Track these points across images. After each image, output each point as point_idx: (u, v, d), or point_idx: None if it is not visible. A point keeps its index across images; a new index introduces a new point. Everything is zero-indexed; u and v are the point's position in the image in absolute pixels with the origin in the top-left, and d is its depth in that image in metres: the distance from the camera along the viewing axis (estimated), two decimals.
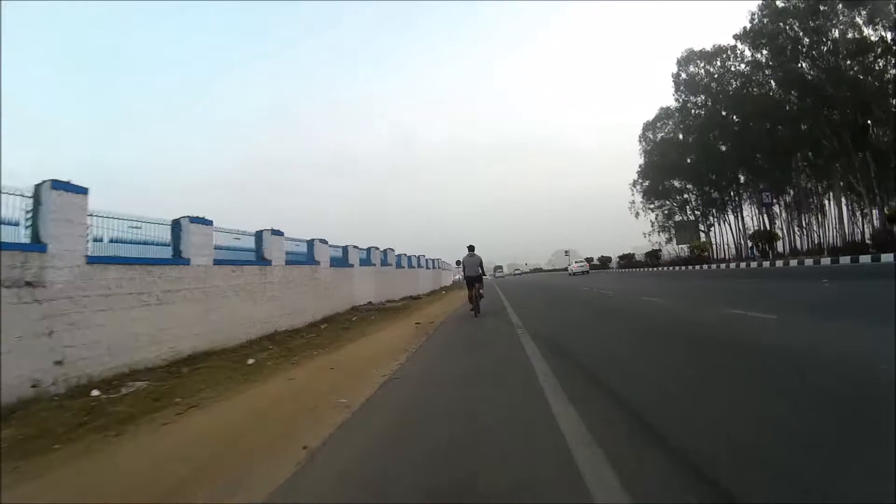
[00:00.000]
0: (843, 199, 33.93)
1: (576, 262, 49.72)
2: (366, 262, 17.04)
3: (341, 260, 14.97)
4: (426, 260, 29.19)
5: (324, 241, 13.20)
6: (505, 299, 15.07)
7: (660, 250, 47.32)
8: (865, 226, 31.20)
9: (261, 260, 10.53)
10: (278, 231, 11.02)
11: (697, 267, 33.56)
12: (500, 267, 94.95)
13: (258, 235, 10.74)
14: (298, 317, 11.34)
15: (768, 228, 35.85)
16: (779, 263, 23.19)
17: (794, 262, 23.46)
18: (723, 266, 29.92)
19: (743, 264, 26.93)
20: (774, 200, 33.36)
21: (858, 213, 32.44)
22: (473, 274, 11.15)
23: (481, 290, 11.27)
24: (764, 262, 25.42)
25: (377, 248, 17.97)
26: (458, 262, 34.14)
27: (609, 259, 61.84)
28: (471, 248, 11.45)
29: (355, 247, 15.52)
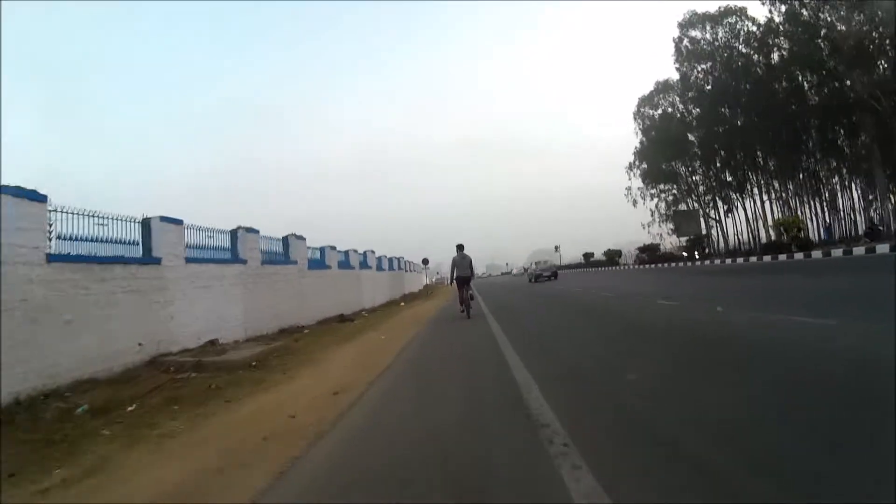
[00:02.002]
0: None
1: (514, 269, 65.78)
2: (224, 256, 8.66)
3: (144, 250, 6.64)
4: (379, 258, 20.92)
5: (26, 195, 4.88)
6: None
7: (705, 237, 37.85)
8: None
9: None
10: None
11: (797, 256, 18.58)
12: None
13: None
14: None
15: None
16: None
17: None
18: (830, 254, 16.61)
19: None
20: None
21: None
22: (464, 275, 10.35)
23: (471, 293, 10.58)
24: None
25: (254, 233, 9.54)
26: (424, 261, 25.36)
27: (618, 254, 49.18)
28: (460, 248, 10.47)
29: (170, 220, 7.05)
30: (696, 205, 41.87)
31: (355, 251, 16.52)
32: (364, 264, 18.06)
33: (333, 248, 14.26)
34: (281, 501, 2.04)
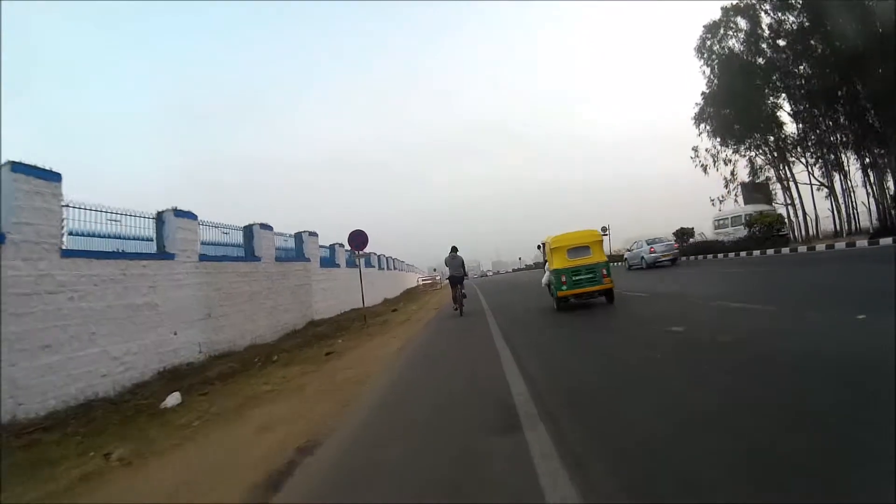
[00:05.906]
0: None
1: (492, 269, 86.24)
2: None
3: None
4: (205, 225, 9.06)
5: None
6: None
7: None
8: None
9: None
10: None
11: None
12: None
13: None
14: None
15: None
16: None
17: None
18: None
19: None
20: None
21: None
22: (457, 274, 10.98)
23: (464, 291, 10.95)
24: None
25: None
26: (353, 239, 15.98)
27: (778, 221, 22.06)
28: (454, 249, 11.20)
29: None
30: (787, 170, 29.36)
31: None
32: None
33: None
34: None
